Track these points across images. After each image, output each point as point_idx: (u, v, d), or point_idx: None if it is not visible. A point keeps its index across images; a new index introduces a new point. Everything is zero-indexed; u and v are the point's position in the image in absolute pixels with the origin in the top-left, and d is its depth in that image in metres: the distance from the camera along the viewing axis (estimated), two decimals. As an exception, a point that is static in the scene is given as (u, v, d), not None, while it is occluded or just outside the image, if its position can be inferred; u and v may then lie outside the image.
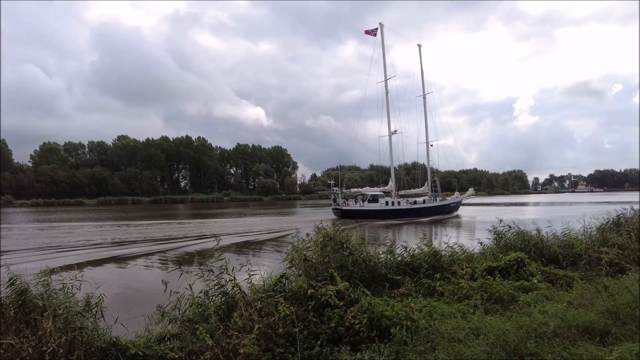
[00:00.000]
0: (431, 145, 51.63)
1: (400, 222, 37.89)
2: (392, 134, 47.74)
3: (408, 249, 8.56)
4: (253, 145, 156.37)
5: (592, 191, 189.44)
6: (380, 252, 8.21)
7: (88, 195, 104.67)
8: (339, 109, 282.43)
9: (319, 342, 5.19)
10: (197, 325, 5.23)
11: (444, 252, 8.79)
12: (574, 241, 9.95)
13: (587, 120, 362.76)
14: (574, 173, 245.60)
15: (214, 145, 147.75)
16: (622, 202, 17.90)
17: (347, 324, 5.31)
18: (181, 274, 6.20)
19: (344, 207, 42.20)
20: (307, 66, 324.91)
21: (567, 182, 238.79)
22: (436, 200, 47.92)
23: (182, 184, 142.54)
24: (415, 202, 45.32)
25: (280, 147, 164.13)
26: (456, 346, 4.10)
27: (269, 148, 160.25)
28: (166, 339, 5.37)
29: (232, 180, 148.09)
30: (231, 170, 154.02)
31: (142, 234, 27.85)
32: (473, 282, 7.07)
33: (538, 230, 10.23)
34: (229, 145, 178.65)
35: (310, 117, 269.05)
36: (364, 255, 7.56)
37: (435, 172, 54.13)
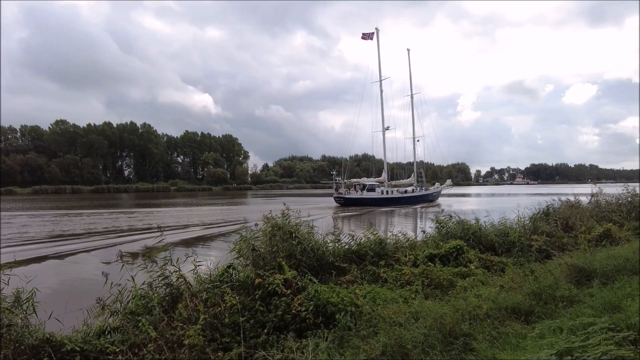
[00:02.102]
0: (417, 141, 57.15)
1: (394, 208, 42.33)
2: (386, 129, 52.91)
3: (355, 238, 8.77)
4: (202, 133, 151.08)
5: (528, 183, 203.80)
6: (329, 241, 8.35)
7: (20, 183, 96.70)
8: (291, 99, 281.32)
9: (265, 330, 5.24)
10: (140, 318, 5.09)
11: (389, 240, 9.10)
12: (509, 230, 10.66)
13: (523, 117, 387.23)
14: (512, 166, 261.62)
15: (160, 132, 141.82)
16: (552, 194, 19.35)
17: (293, 311, 5.39)
18: (123, 265, 5.96)
19: (346, 196, 46.14)
20: (257, 54, 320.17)
21: (506, 174, 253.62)
22: (422, 190, 53.72)
23: (126, 173, 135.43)
24: (405, 192, 51.44)
25: (231, 135, 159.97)
26: (397, 330, 4.29)
27: (218, 136, 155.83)
28: (106, 332, 5.19)
29: (180, 169, 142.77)
30: (178, 158, 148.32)
31: (81, 225, 26.28)
32: (415, 268, 7.40)
33: (477, 220, 10.86)
34: (175, 132, 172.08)
35: (261, 106, 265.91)
36: (312, 244, 7.66)
37: (421, 165, 59.81)
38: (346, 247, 8.44)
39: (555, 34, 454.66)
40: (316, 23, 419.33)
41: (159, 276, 6.01)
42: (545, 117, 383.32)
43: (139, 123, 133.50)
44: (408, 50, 58.74)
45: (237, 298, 5.64)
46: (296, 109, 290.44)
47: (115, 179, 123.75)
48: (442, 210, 11.30)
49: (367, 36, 51.65)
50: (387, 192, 49.09)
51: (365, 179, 53.18)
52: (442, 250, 8.47)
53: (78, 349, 4.55)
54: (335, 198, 47.17)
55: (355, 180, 52.28)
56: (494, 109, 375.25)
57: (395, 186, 53.18)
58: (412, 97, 57.67)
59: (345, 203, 44.92)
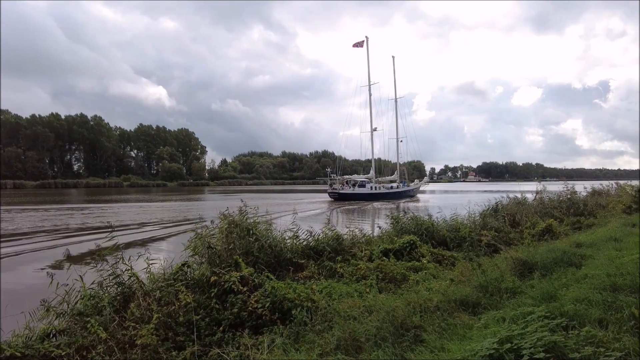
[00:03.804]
0: (401, 141, 61.63)
1: (383, 203, 45.61)
2: (374, 130, 57.57)
3: (313, 234, 8.85)
4: (157, 127, 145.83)
5: (479, 181, 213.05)
6: (287, 238, 8.37)
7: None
8: (250, 93, 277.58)
9: (221, 328, 5.21)
10: (89, 319, 4.89)
11: (345, 235, 9.24)
12: (460, 225, 11.12)
13: (475, 117, 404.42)
14: (465, 164, 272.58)
15: (112, 125, 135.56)
16: (501, 191, 20.39)
17: (250, 308, 5.38)
18: (70, 265, 5.70)
19: (341, 191, 50.39)
20: (214, 47, 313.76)
21: (459, 172, 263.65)
22: (404, 186, 59.03)
23: (76, 167, 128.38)
24: (391, 188, 56.25)
25: (187, 129, 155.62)
26: (351, 323, 4.40)
27: (174, 130, 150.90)
28: (51, 335, 4.96)
29: (133, 164, 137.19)
30: (132, 153, 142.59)
31: (23, 223, 24.71)
32: (371, 263, 7.59)
33: (430, 216, 11.24)
34: (128, 125, 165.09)
35: (218, 100, 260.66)
36: (270, 240, 7.65)
37: (404, 164, 65.13)
38: (304, 243, 8.50)
39: (505, 38, 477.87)
40: (273, 18, 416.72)
41: (109, 275, 5.82)
42: (495, 118, 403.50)
43: (89, 115, 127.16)
44: (393, 57, 62.81)
45: (192, 296, 5.56)
46: (255, 104, 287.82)
47: (64, 173, 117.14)
48: (397, 207, 11.54)
49: (358, 44, 56.34)
50: (375, 187, 54.08)
51: (356, 175, 58.71)
52: (396, 245, 8.73)
53: (19, 354, 4.30)
54: (329, 193, 51.01)
55: (347, 177, 57.35)
56: (447, 109, 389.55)
57: (381, 182, 57.87)
58: (396, 101, 62.21)
59: (339, 198, 48.91)
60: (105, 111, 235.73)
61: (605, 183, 24.84)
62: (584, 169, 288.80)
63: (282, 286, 5.68)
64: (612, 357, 2.88)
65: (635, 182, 18.96)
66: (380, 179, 58.78)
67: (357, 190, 52.11)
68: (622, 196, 18.40)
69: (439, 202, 41.35)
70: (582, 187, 21.15)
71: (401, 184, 59.38)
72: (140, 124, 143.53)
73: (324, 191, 54.49)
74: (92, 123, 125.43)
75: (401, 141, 61.77)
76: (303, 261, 7.83)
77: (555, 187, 19.53)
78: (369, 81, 57.44)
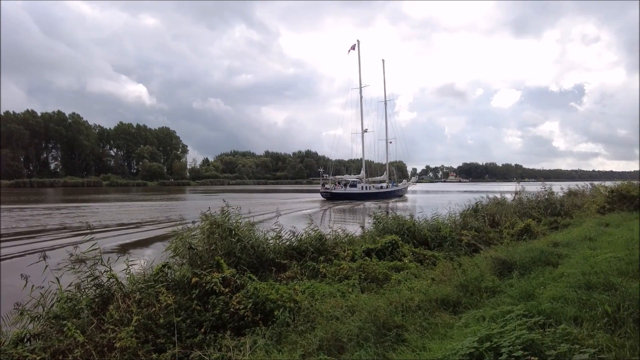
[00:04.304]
0: (390, 142, 64.02)
1: (375, 202, 45.55)
2: (365, 132, 59.31)
3: (296, 234, 8.84)
4: (137, 125, 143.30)
5: (460, 181, 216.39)
6: (270, 238, 8.34)
7: None
8: (233, 92, 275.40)
9: (202, 329, 5.16)
10: (65, 322, 4.78)
11: (328, 236, 9.26)
12: (441, 225, 11.26)
13: (455, 118, 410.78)
14: (446, 165, 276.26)
15: (91, 123, 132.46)
16: (481, 192, 20.74)
17: (232, 309, 5.35)
18: (46, 266, 5.55)
19: (333, 191, 52.16)
20: (195, 45, 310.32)
21: (440, 173, 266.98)
22: (394, 186, 61.56)
23: (53, 166, 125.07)
24: (381, 187, 58.33)
25: (168, 128, 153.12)
26: (334, 324, 4.41)
27: (155, 129, 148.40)
28: (25, 340, 4.82)
29: (112, 163, 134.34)
30: (111, 151, 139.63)
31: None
32: (353, 263, 7.62)
33: (411, 216, 11.35)
34: (107, 124, 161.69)
35: (199, 99, 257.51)
36: (252, 241, 7.61)
37: (393, 164, 68.33)
38: (287, 243, 8.49)
39: (486, 41, 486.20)
40: (255, 17, 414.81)
41: (87, 277, 5.70)
42: (475, 119, 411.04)
43: (66, 113, 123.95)
44: (383, 60, 65.33)
45: (172, 298, 5.50)
46: (238, 102, 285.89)
47: (40, 172, 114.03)
48: (379, 207, 11.62)
49: (352, 48, 58.67)
50: (366, 187, 56.05)
51: (347, 176, 60.31)
52: (378, 245, 8.79)
53: (-9, 359, 4.19)
54: (322, 193, 52.54)
55: (339, 177, 59.22)
56: (428, 110, 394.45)
57: (372, 182, 59.72)
58: (385, 104, 64.76)
59: (331, 197, 50.58)
60: (83, 109, 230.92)
61: (580, 184, 25.55)
62: (561, 170, 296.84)
63: (264, 287, 5.66)
64: (586, 353, 2.95)
65: (609, 183, 19.52)
66: (370, 179, 60.40)
67: (349, 190, 53.86)
68: (596, 197, 18.92)
69: (420, 202, 41.94)
70: (559, 188, 21.69)
71: (390, 184, 61.57)
72: (120, 122, 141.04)
73: (312, 191, 55.62)
74: (69, 121, 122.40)
75: (390, 142, 64.28)
76: (286, 261, 7.81)
77: (533, 187, 19.97)
78: (360, 84, 59.40)
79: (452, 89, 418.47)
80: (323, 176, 55.83)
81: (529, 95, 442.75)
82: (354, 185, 55.31)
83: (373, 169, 65.76)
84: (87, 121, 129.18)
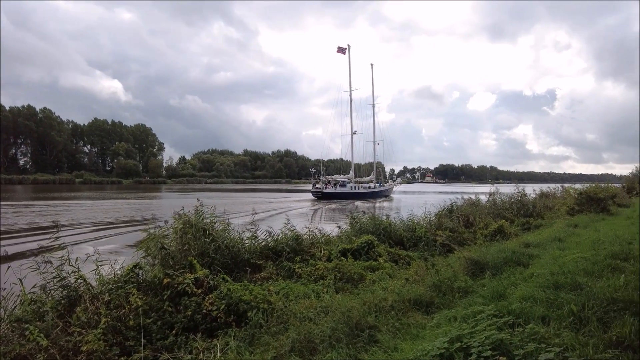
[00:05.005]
0: (378, 144, 66.95)
1: (363, 201, 47.81)
2: (354, 134, 61.60)
3: (272, 234, 8.77)
4: (113, 122, 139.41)
5: (436, 182, 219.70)
6: (245, 238, 8.25)
7: None
8: (212, 89, 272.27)
9: (173, 331, 5.05)
10: (28, 325, 4.58)
11: (305, 236, 9.22)
12: (416, 225, 11.38)
13: (433, 120, 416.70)
14: (423, 166, 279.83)
15: (64, 119, 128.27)
16: (457, 193, 21.07)
17: (204, 311, 5.26)
18: (8, 267, 5.32)
19: (324, 190, 53.66)
20: (173, 42, 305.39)
21: (418, 173, 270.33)
22: (380, 186, 63.57)
23: (22, 162, 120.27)
24: (369, 188, 60.85)
25: (144, 125, 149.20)
26: (307, 325, 4.38)
27: (130, 126, 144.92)
28: (-17, 344, 4.61)
29: (86, 160, 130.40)
30: (85, 148, 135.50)
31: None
32: (329, 263, 7.60)
33: (387, 216, 11.43)
34: (80, 119, 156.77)
35: (176, 96, 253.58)
36: (227, 241, 7.52)
37: (381, 165, 72.01)
38: (263, 243, 8.42)
39: (463, 45, 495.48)
40: (233, 14, 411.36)
41: (54, 278, 5.49)
42: (451, 121, 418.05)
43: (37, 107, 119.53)
44: (372, 65, 67.43)
45: (143, 299, 5.36)
46: (216, 100, 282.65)
47: (8, 168, 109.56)
48: (357, 207, 11.66)
49: (342, 51, 59.80)
50: (355, 187, 58.36)
51: (337, 176, 62.23)
52: (354, 245, 8.81)
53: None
54: (313, 192, 53.98)
55: (330, 177, 61.02)
56: (407, 112, 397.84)
57: (359, 182, 62.22)
58: (373, 107, 67.13)
59: (322, 196, 52.11)
60: (55, 104, 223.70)
61: (552, 186, 26.34)
62: (534, 172, 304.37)
63: (238, 288, 5.58)
64: (551, 352, 3.02)
65: (578, 186, 20.17)
66: (358, 179, 62.79)
67: (339, 189, 55.84)
68: (566, 199, 19.53)
69: (405, 202, 42.59)
70: (531, 190, 22.27)
71: (377, 185, 63.81)
72: (95, 118, 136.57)
73: (294, 190, 56.50)
74: (40, 116, 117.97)
75: (378, 144, 67.09)
76: (261, 262, 7.75)
77: (507, 189, 20.41)
78: (350, 87, 61.38)
79: (430, 91, 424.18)
80: (314, 176, 57.71)
81: (504, 99, 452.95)
82: (343, 185, 57.27)
83: (361, 170, 66.81)
84: (59, 116, 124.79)
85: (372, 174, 67.07)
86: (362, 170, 66.57)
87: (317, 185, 55.18)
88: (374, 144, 66.96)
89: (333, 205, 40.19)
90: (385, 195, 61.59)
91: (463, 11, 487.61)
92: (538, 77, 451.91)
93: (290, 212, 29.65)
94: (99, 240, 17.37)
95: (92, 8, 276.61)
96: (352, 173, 61.39)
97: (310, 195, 54.38)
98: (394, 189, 68.32)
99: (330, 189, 55.23)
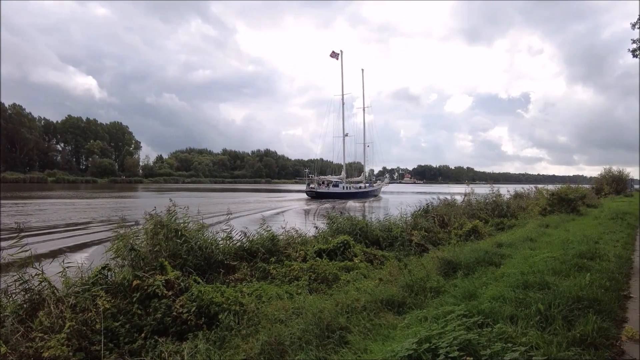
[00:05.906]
0: (367, 146, 69.09)
1: (355, 201, 50.69)
2: (345, 136, 64.26)
3: (247, 234, 8.67)
4: (87, 119, 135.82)
5: (414, 182, 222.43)
6: (219, 239, 8.12)
7: None
8: (189, 88, 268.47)
9: (142, 334, 4.91)
10: (-15, 331, 4.39)
11: (281, 236, 9.15)
12: (392, 225, 11.45)
13: (411, 121, 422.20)
14: (402, 167, 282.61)
15: (34, 115, 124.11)
16: (434, 193, 21.36)
17: (174, 313, 5.15)
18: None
19: (318, 190, 56.03)
20: (149, 39, 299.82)
21: (396, 174, 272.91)
22: (370, 186, 66.50)
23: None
24: (360, 187, 63.51)
25: (121, 123, 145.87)
26: (278, 327, 4.32)
27: (106, 123, 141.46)
28: None
29: (59, 159, 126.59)
30: (58, 146, 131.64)
31: None
32: (304, 263, 7.55)
33: (364, 216, 11.46)
34: (53, 117, 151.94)
35: (153, 94, 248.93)
36: (200, 242, 7.38)
37: (360, 166, 73.40)
38: (238, 244, 8.30)
39: (441, 48, 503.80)
40: (210, 11, 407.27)
41: (15, 281, 5.27)
42: (429, 123, 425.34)
43: (6, 103, 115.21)
44: (362, 70, 69.08)
45: (111, 301, 5.21)
46: (194, 98, 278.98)
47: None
48: (334, 207, 11.66)
49: (335, 56, 61.72)
50: (347, 187, 60.76)
51: (330, 176, 64.22)
52: (330, 245, 8.78)
53: None
54: (307, 192, 56.55)
55: (323, 177, 63.07)
56: (385, 113, 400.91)
57: (351, 182, 64.71)
58: (364, 110, 69.77)
59: (316, 196, 54.19)
60: (26, 100, 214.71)
61: (526, 187, 26.97)
62: (510, 173, 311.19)
63: (209, 290, 5.49)
64: (517, 352, 3.05)
65: (550, 187, 20.71)
66: (349, 179, 65.46)
67: (332, 189, 58.03)
68: (539, 199, 20.03)
69: (393, 202, 43.03)
70: (506, 190, 22.74)
71: (367, 185, 66.71)
72: (69, 116, 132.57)
73: (274, 190, 57.62)
74: (10, 112, 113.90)
75: (368, 146, 69.38)
76: (235, 263, 7.64)
77: (482, 189, 20.79)
78: (342, 91, 63.58)
79: (407, 93, 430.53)
80: (309, 176, 60.95)
81: (480, 101, 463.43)
82: (336, 185, 59.66)
83: (332, 169, 67.68)
84: (30, 113, 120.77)
85: (362, 174, 70.45)
86: (349, 171, 67.59)
87: (312, 185, 57.67)
88: (364, 145, 69.51)
89: (327, 205, 40.55)
90: (374, 195, 64.38)
91: (441, 14, 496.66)
92: (513, 80, 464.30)
93: (289, 211, 31.97)
94: (69, 242, 16.82)
95: (63, 2, 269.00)
96: (344, 173, 63.96)
97: (305, 195, 56.67)
98: (382, 189, 71.23)
99: (323, 189, 57.36)
